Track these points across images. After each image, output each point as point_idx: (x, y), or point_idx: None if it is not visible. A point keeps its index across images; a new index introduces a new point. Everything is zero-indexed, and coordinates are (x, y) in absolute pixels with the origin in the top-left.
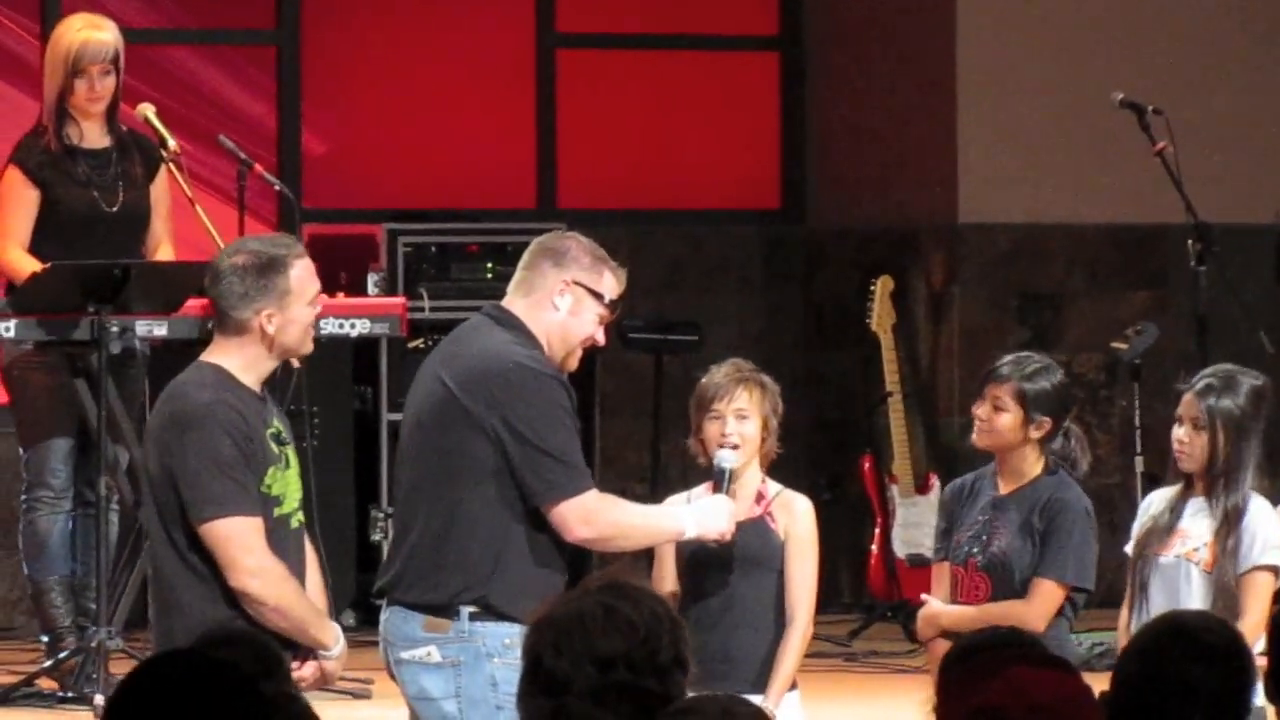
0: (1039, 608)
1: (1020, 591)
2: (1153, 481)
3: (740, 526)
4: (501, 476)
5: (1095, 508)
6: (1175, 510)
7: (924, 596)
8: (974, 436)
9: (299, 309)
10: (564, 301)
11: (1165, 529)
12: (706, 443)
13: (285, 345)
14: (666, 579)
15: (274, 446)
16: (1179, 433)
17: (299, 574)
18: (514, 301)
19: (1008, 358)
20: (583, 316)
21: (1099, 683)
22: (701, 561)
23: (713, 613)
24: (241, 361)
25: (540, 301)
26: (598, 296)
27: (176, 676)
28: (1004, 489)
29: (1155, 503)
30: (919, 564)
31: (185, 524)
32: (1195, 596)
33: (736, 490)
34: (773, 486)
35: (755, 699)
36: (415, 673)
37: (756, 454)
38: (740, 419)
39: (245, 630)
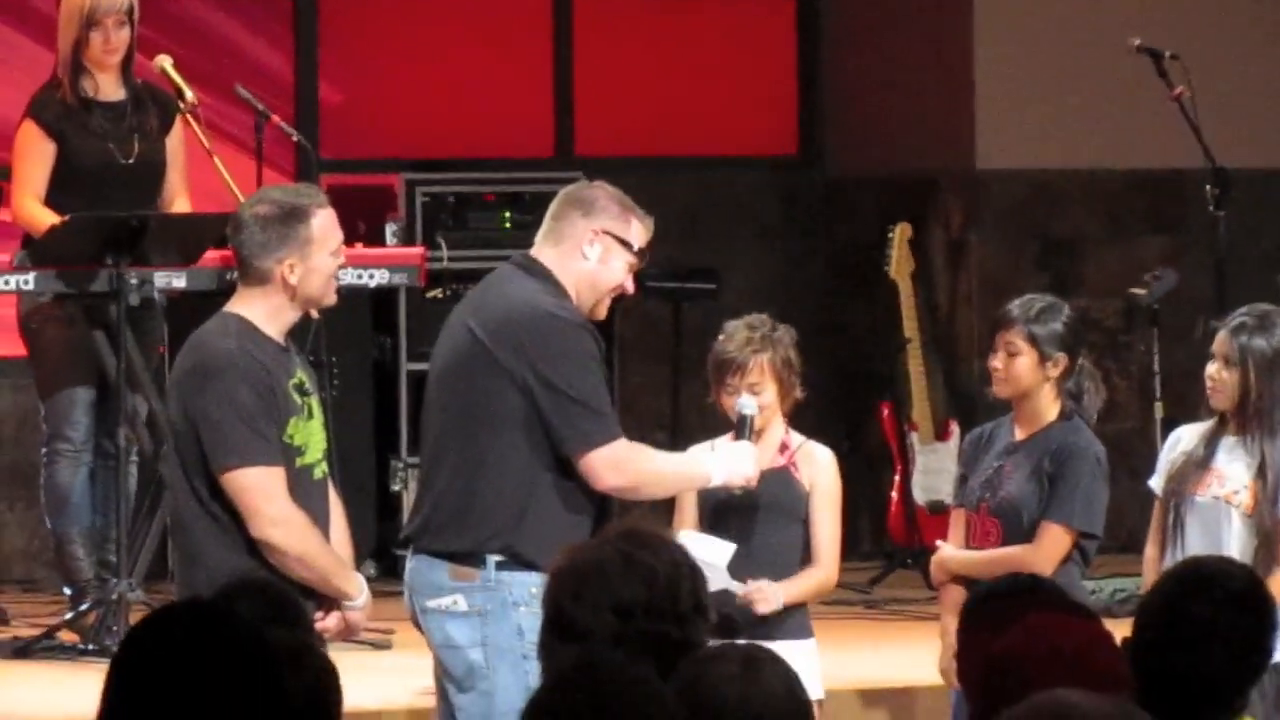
0: (1045, 551)
1: (1030, 535)
2: (1171, 425)
3: (764, 475)
4: (530, 425)
5: (1113, 454)
6: (1209, 446)
7: (938, 543)
8: (993, 388)
9: (321, 258)
10: (593, 250)
11: (1199, 465)
12: (724, 411)
13: (308, 295)
14: (688, 526)
15: (296, 397)
16: (1211, 369)
17: (323, 524)
18: (542, 251)
19: (1014, 302)
20: (611, 265)
21: (1120, 629)
22: (724, 510)
23: (736, 560)
24: (264, 311)
25: (569, 251)
26: (626, 245)
27: (183, 627)
28: (1019, 435)
29: (1185, 438)
30: (939, 510)
31: (207, 473)
32: (1235, 540)
33: (758, 436)
34: (795, 438)
35: (774, 644)
36: (441, 621)
37: (777, 411)
38: (755, 393)
39: (265, 580)
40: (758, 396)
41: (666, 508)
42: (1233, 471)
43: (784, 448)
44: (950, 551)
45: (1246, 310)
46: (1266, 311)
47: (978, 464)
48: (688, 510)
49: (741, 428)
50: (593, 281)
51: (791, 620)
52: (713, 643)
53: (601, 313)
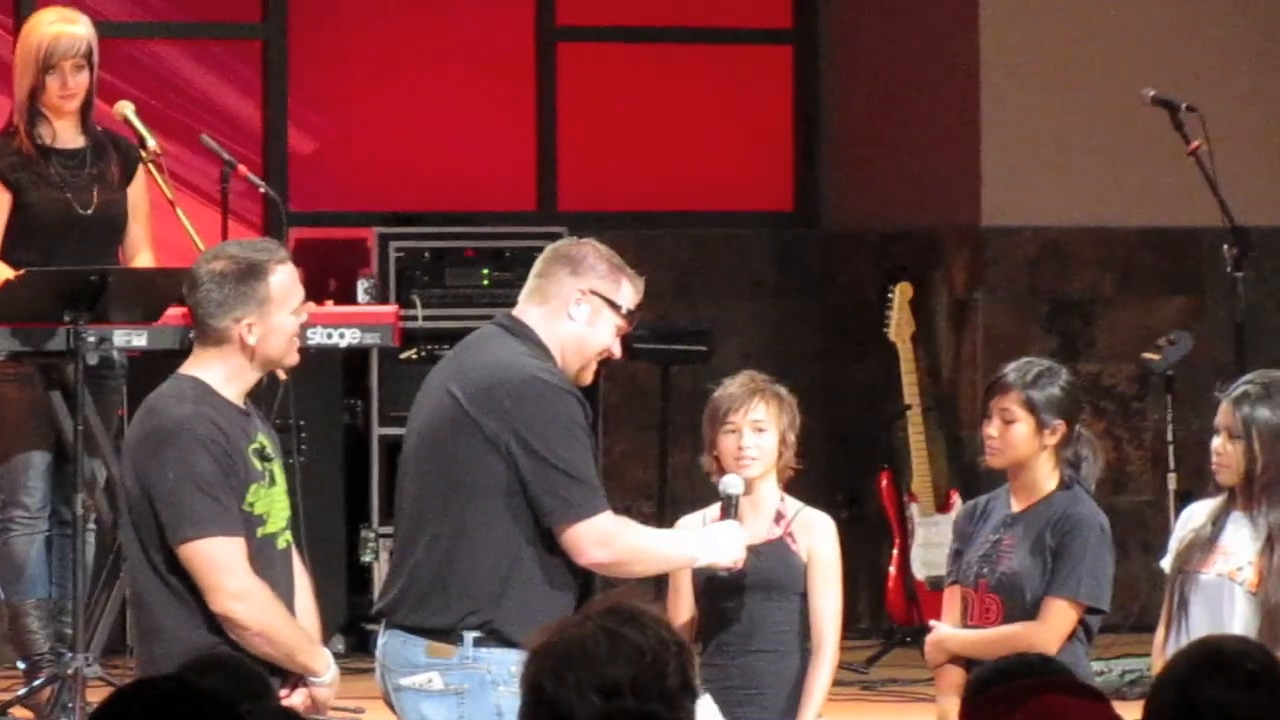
0: (1050, 629)
1: (1032, 612)
2: (1187, 498)
3: (759, 549)
4: (512, 495)
5: (1125, 527)
6: (1217, 523)
7: (932, 622)
8: (986, 458)
9: (281, 317)
10: (580, 311)
11: (1206, 543)
12: (721, 458)
13: (267, 356)
14: (684, 604)
15: (257, 463)
16: (1216, 443)
17: (287, 597)
18: (527, 311)
19: (1009, 366)
20: (599, 327)
21: (1130, 712)
22: (721, 586)
23: (735, 639)
24: (222, 373)
25: (555, 311)
26: (615, 307)
27: (151, 704)
28: (1016, 506)
29: (1195, 515)
30: (939, 586)
31: (164, 544)
32: (1239, 618)
33: (745, 514)
34: (791, 505)
35: None
36: (416, 700)
37: (773, 469)
38: (757, 431)
39: (229, 655)
40: (761, 435)
41: (656, 582)
42: (1238, 546)
43: (779, 517)
44: (947, 630)
45: (1250, 378)
46: (1273, 379)
47: (974, 538)
48: (683, 586)
49: (727, 507)
50: (579, 344)
51: (793, 701)
52: None
53: (588, 377)
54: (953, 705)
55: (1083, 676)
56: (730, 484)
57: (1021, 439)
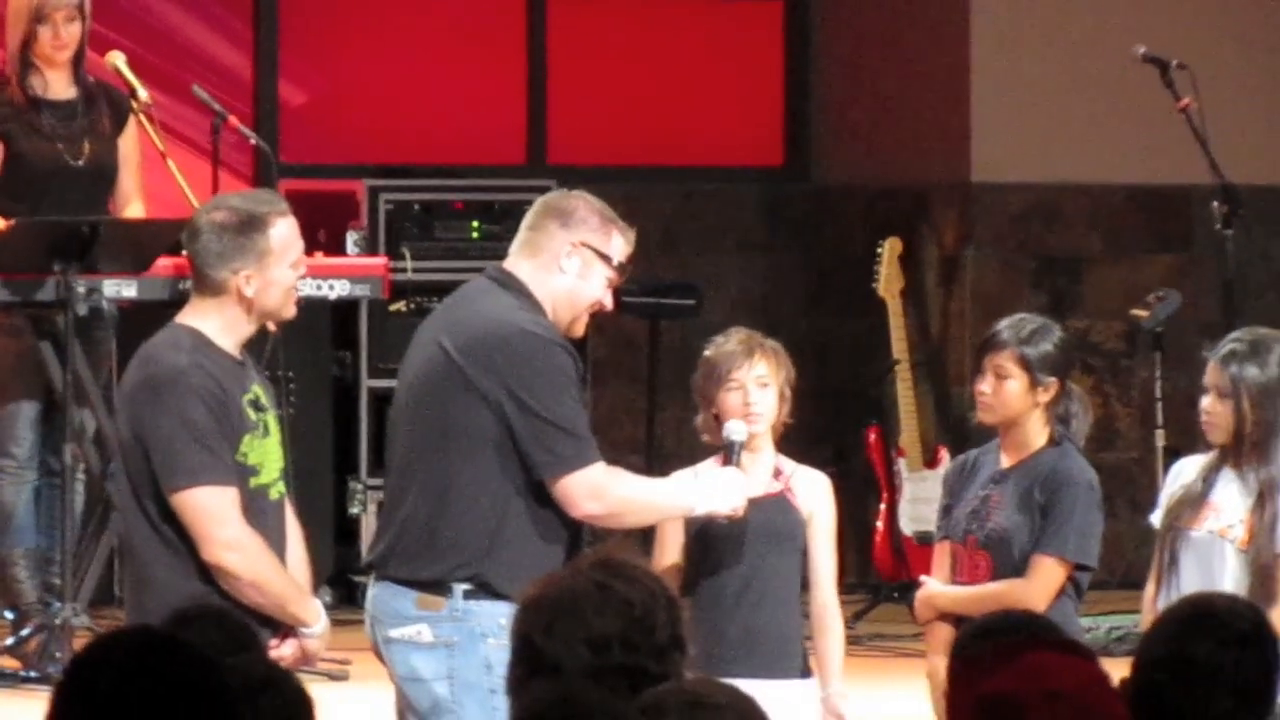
0: (1039, 586)
1: (1021, 569)
2: (1174, 456)
3: (759, 502)
4: (503, 447)
5: (1113, 484)
6: (1208, 480)
7: (922, 578)
8: (978, 414)
9: (279, 271)
10: (571, 264)
11: (1196, 499)
12: (724, 415)
13: (264, 308)
14: (669, 553)
15: (251, 413)
16: (1205, 402)
17: (279, 547)
18: (518, 264)
19: (1003, 323)
20: (591, 280)
21: (1117, 669)
22: (715, 538)
23: (730, 592)
24: (219, 324)
25: (546, 264)
26: (606, 259)
27: (130, 654)
28: (1006, 462)
29: (1186, 471)
30: (927, 542)
31: (157, 494)
32: (1229, 576)
33: (746, 463)
34: (788, 462)
35: (772, 683)
36: (405, 652)
37: (769, 430)
38: (762, 387)
39: (218, 606)
40: (765, 390)
41: (644, 534)
42: (1229, 503)
43: (778, 472)
44: (936, 587)
45: (1238, 335)
46: (1260, 337)
47: (963, 494)
48: (671, 536)
49: (730, 453)
50: (570, 297)
51: (790, 658)
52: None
53: (579, 330)
54: (941, 662)
55: (1072, 633)
56: (734, 430)
57: (1014, 396)
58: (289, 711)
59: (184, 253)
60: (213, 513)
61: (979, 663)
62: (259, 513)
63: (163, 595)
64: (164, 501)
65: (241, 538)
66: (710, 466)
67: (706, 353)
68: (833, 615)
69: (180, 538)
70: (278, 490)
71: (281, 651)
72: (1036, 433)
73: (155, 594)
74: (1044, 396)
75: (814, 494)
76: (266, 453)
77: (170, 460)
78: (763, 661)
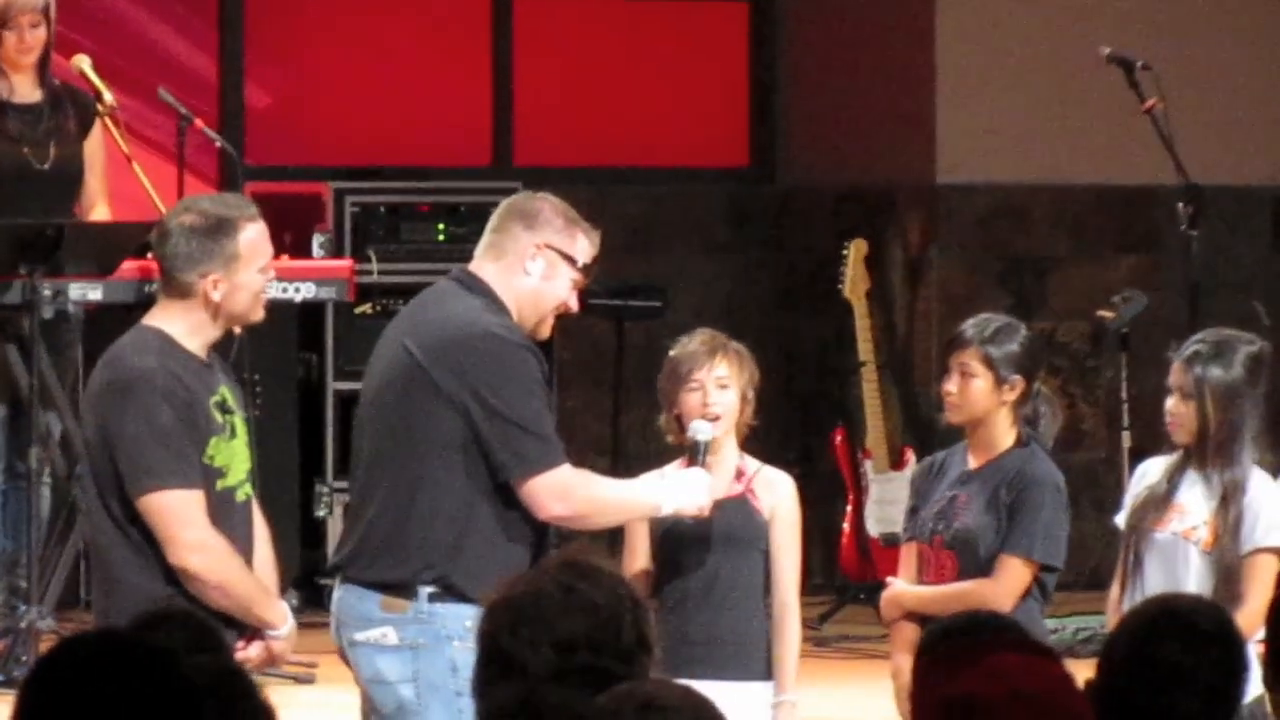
0: (1005, 585)
1: (987, 569)
2: (1140, 457)
3: (720, 504)
4: (468, 450)
5: (1079, 485)
6: (1172, 481)
7: (889, 579)
8: (946, 414)
9: (247, 275)
10: (536, 266)
11: (1161, 501)
12: (685, 416)
13: (232, 312)
14: (639, 557)
15: (218, 415)
16: (1169, 403)
17: (246, 550)
18: (482, 266)
19: (968, 322)
20: (556, 282)
21: (1083, 669)
22: (679, 540)
23: (693, 594)
24: (185, 326)
25: (511, 266)
26: (571, 260)
27: (95, 655)
28: (973, 463)
29: (1151, 471)
30: (893, 543)
31: (123, 496)
32: (1193, 577)
33: (712, 464)
34: (751, 463)
35: (733, 685)
36: (370, 655)
37: (732, 431)
38: (721, 388)
39: (183, 608)
40: (724, 391)
41: (609, 536)
42: (1193, 505)
43: (740, 474)
44: (902, 587)
45: (1201, 336)
46: (1224, 338)
47: (930, 494)
48: (639, 539)
49: (696, 453)
50: (535, 299)
51: (752, 659)
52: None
53: (545, 332)
54: (906, 662)
55: (1037, 635)
56: (699, 430)
57: (980, 394)
58: (253, 715)
59: (151, 255)
60: (178, 515)
61: (944, 664)
62: (226, 515)
63: (130, 597)
64: (130, 504)
65: (207, 540)
66: (676, 468)
67: (671, 353)
68: (791, 618)
69: (147, 540)
70: (244, 492)
71: (248, 653)
72: (1003, 433)
73: (122, 596)
74: (1009, 395)
75: (775, 494)
76: (233, 455)
77: (136, 462)
78: (725, 663)
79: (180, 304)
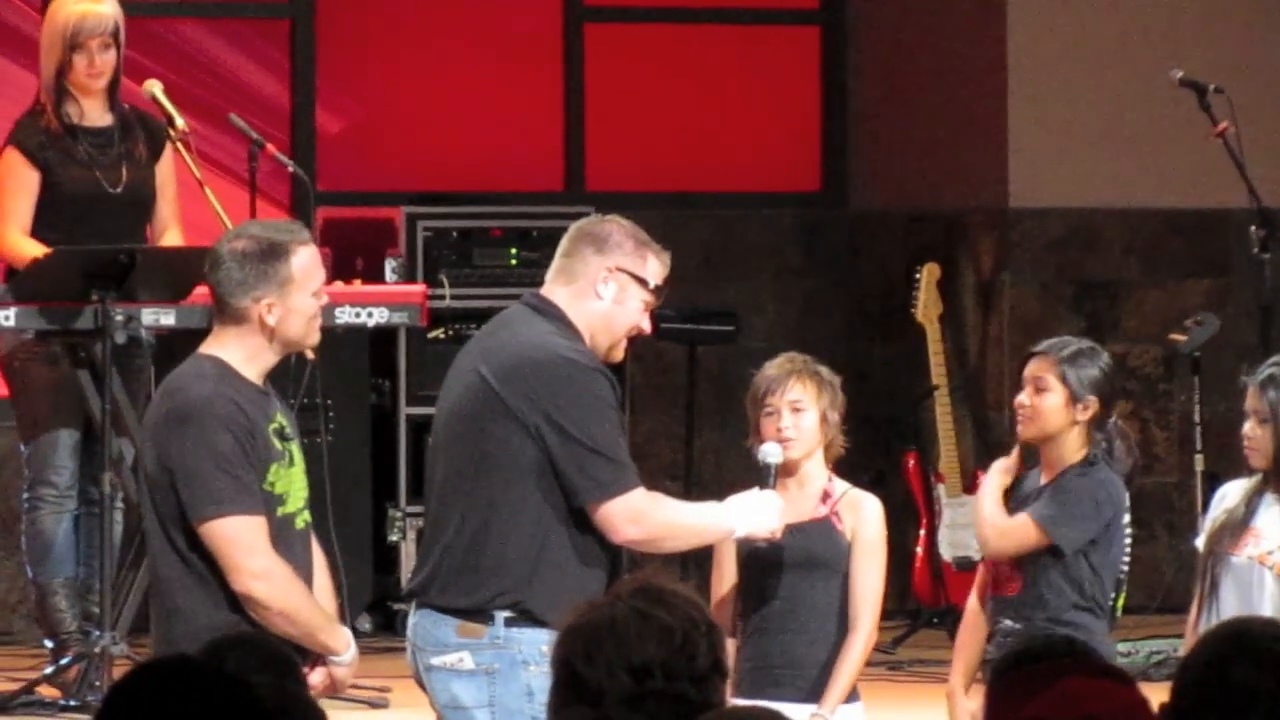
0: (1009, 535)
1: (1055, 579)
2: (1213, 480)
3: (804, 527)
4: (542, 474)
5: (1151, 508)
6: (1249, 505)
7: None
8: (1019, 429)
9: (301, 299)
10: (608, 289)
11: (1238, 525)
12: (761, 438)
13: (287, 337)
14: (727, 579)
15: (277, 442)
16: (1246, 427)
17: (305, 576)
18: (554, 290)
19: (1048, 340)
20: (628, 305)
21: (1157, 694)
22: (761, 563)
23: (774, 616)
24: (242, 354)
25: (583, 290)
26: (642, 283)
27: (168, 681)
28: (1044, 479)
29: (1230, 495)
30: (966, 567)
31: (185, 524)
32: (1268, 602)
33: (786, 486)
34: (839, 485)
35: (814, 708)
36: (446, 680)
37: (817, 448)
38: (795, 412)
39: (254, 635)
40: (799, 415)
41: (681, 560)
42: (1270, 530)
43: (826, 496)
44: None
45: (1276, 360)
46: None
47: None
48: (727, 561)
49: (765, 476)
50: (607, 322)
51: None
52: (733, 703)
53: (618, 355)
54: (960, 682)
55: (1103, 653)
56: (769, 453)
57: (1053, 409)
58: None
59: (206, 282)
60: (242, 542)
61: (1017, 688)
62: (286, 542)
63: (190, 625)
64: (192, 532)
65: (271, 567)
66: (752, 492)
67: (753, 376)
68: (856, 637)
69: (208, 568)
70: (303, 519)
71: (311, 679)
72: (1073, 450)
73: (183, 624)
74: (1083, 415)
75: (857, 516)
76: (292, 482)
77: (198, 490)
78: (805, 685)
79: (235, 330)
